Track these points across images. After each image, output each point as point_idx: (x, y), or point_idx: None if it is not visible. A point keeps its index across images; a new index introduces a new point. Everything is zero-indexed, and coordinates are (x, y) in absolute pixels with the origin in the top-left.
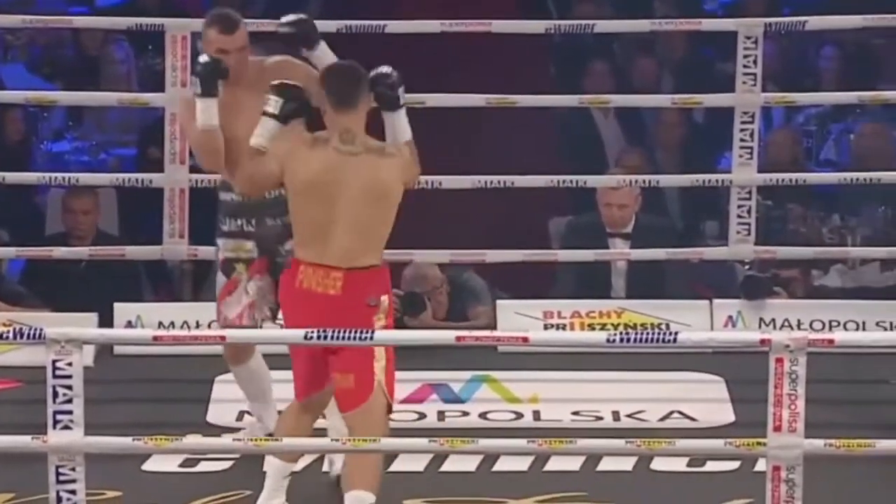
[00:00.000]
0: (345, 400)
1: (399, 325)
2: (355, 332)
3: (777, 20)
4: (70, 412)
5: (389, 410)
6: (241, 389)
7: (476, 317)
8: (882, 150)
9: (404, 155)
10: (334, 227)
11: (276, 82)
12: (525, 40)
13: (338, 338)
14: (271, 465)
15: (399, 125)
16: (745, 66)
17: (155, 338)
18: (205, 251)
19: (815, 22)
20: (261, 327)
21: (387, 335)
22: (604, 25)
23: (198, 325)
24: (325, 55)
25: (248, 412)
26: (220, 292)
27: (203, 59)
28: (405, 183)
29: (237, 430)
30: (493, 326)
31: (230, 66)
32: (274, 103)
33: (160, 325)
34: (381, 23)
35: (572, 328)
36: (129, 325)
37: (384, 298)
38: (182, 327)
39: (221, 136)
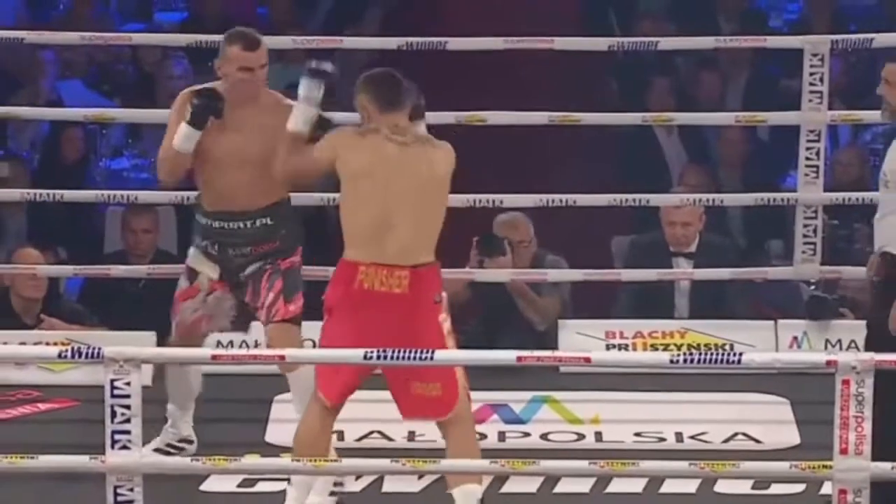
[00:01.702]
0: (430, 408)
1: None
2: (416, 351)
3: (843, 37)
4: (128, 432)
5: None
6: (169, 388)
7: (546, 300)
8: None
9: (451, 149)
10: (392, 222)
11: (311, 65)
12: (588, 57)
13: (398, 358)
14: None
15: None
16: (811, 84)
17: (213, 357)
18: None
19: (882, 39)
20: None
21: (447, 355)
22: (668, 42)
23: (256, 344)
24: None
25: None
26: (179, 294)
27: (203, 91)
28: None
29: None
30: (559, 316)
31: (250, 83)
32: (308, 88)
33: (219, 343)
34: (443, 40)
35: (634, 348)
36: None
37: (444, 294)
38: (241, 346)
39: (189, 162)
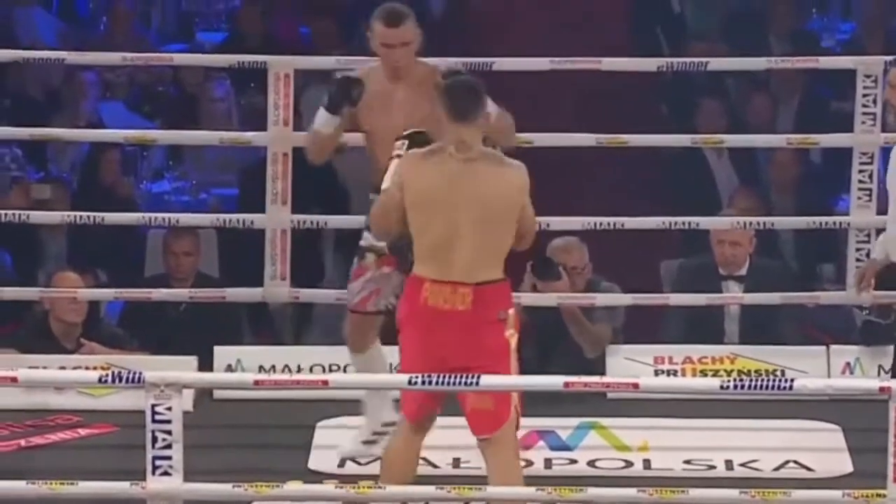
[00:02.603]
0: (480, 422)
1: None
2: (462, 376)
3: None
4: (169, 458)
5: (517, 427)
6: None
7: (598, 328)
8: None
9: (523, 168)
10: (458, 240)
11: (408, 132)
12: (637, 78)
13: (444, 383)
14: None
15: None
16: (863, 106)
17: (256, 382)
18: (307, 294)
19: None
20: (385, 310)
21: (496, 380)
22: (718, 63)
23: (299, 369)
24: None
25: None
26: (351, 275)
27: (340, 77)
28: (522, 201)
29: (340, 476)
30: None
31: (395, 62)
32: (401, 147)
33: (261, 368)
34: (489, 60)
35: (684, 374)
36: (230, 368)
37: (511, 312)
38: (283, 371)
39: (334, 140)
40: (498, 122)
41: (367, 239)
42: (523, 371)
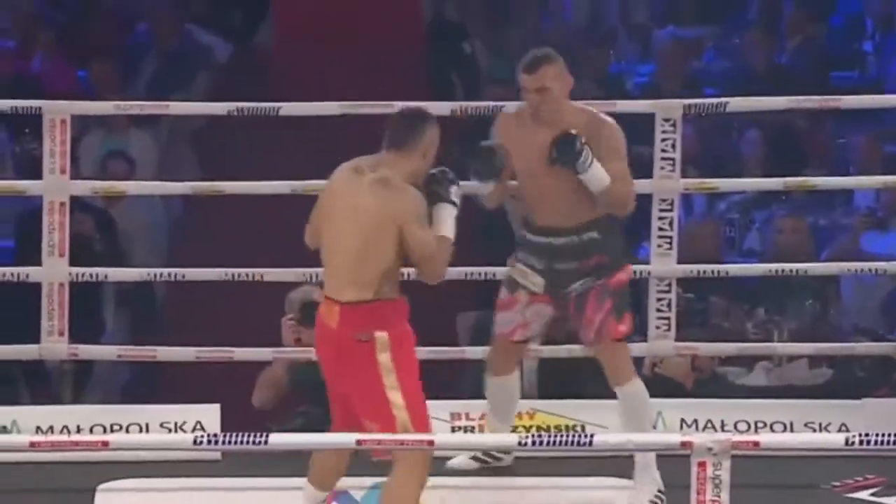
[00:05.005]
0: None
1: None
2: (247, 436)
3: (696, 102)
4: None
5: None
6: (489, 400)
7: None
8: (802, 245)
9: (409, 196)
10: (334, 254)
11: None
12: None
13: (229, 442)
14: (305, 490)
15: (439, 217)
16: (662, 151)
17: (32, 444)
18: (86, 350)
19: (737, 103)
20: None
21: (282, 439)
22: (512, 107)
23: (79, 430)
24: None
25: None
26: (498, 304)
27: (480, 148)
28: (400, 226)
29: None
30: None
31: (532, 107)
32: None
33: (38, 429)
34: (276, 105)
35: (482, 430)
36: (5, 430)
37: (381, 334)
38: (62, 432)
39: (498, 191)
40: (607, 190)
41: (520, 274)
42: (313, 430)
